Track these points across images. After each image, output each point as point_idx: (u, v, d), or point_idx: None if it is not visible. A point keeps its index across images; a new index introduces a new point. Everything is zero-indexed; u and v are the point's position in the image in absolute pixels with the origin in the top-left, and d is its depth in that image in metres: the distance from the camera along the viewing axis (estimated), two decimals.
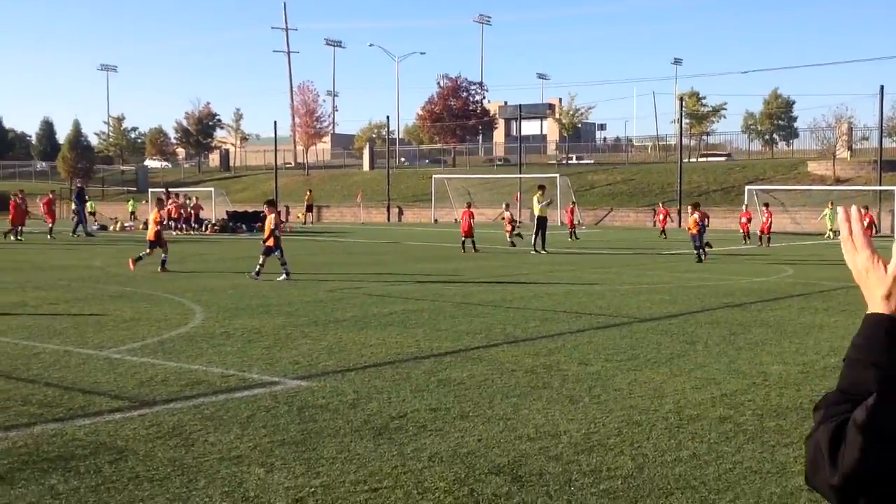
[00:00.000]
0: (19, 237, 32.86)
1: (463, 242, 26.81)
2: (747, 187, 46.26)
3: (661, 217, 39.90)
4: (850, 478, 1.32)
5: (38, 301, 13.94)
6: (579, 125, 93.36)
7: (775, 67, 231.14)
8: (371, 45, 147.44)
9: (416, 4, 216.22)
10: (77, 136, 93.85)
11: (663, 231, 38.39)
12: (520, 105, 75.28)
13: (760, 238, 31.27)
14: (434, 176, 63.16)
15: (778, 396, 7.53)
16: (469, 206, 28.92)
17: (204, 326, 11.33)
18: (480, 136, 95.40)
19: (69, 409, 6.95)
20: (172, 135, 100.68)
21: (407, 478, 5.34)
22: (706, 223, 24.53)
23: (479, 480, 5.31)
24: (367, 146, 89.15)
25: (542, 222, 26.85)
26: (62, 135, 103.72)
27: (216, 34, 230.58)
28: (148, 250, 20.12)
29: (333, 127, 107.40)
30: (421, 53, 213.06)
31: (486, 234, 33.76)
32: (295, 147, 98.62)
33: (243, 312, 12.64)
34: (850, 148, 61.72)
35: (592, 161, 79.56)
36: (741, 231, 33.72)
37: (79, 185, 41.92)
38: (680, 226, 44.11)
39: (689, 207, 25.55)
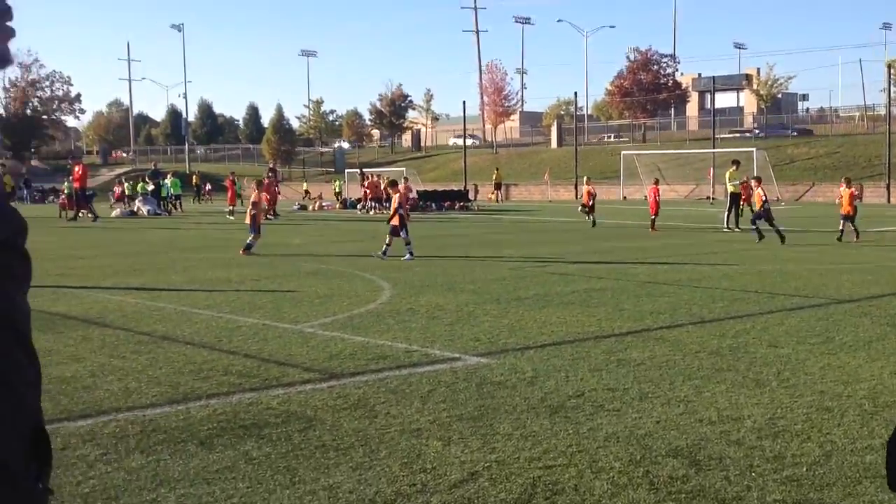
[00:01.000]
0: (276, 215, 35.85)
1: (652, 220, 26.27)
2: None
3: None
4: None
5: (241, 277, 14.82)
6: (779, 96, 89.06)
7: None
8: (560, 20, 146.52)
9: None
10: (280, 119, 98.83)
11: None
12: (713, 77, 72.66)
13: None
14: (623, 152, 62.02)
15: None
16: (656, 182, 28.26)
17: (391, 303, 11.71)
18: (672, 111, 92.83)
19: (265, 379, 7.39)
20: (367, 117, 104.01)
21: (581, 457, 5.35)
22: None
23: (656, 462, 5.24)
24: (555, 123, 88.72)
25: (735, 199, 25.90)
26: (266, 119, 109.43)
27: (407, 16, 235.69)
28: (252, 234, 19.27)
29: (522, 105, 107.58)
30: (610, 27, 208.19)
31: (676, 212, 32.93)
32: (483, 125, 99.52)
33: (428, 289, 12.95)
34: None
35: (795, 133, 75.70)
36: None
37: (270, 166, 44.43)
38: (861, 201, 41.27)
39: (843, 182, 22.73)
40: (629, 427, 5.93)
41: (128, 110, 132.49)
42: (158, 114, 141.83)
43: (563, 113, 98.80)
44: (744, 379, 7.26)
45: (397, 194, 18.50)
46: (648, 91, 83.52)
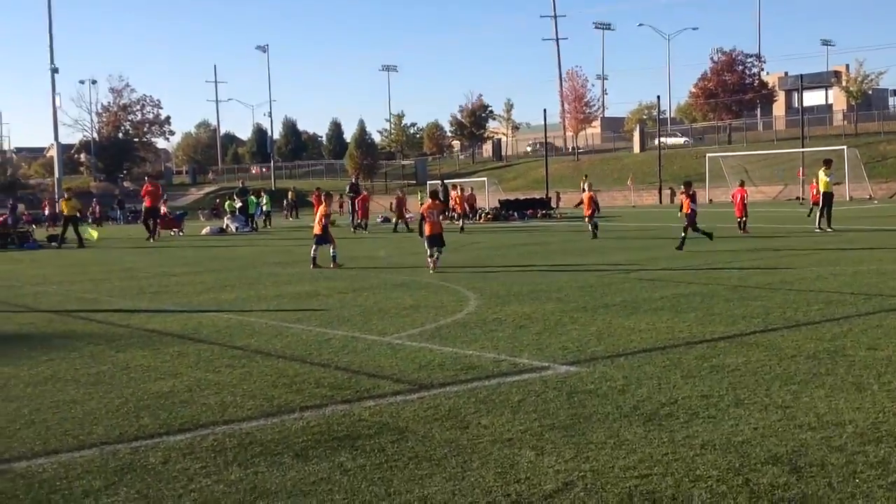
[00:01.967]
0: (365, 228, 38.40)
1: (738, 223, 25.74)
2: None
3: None
4: None
5: (329, 290, 15.02)
6: (869, 92, 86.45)
7: None
8: (641, 24, 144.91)
9: None
10: (362, 134, 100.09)
11: None
12: (801, 75, 70.91)
13: None
14: (708, 155, 60.93)
15: None
16: (742, 184, 27.69)
17: (477, 313, 11.72)
18: (759, 111, 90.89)
19: (356, 391, 7.47)
20: (448, 128, 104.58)
21: (678, 465, 5.26)
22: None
23: (755, 470, 5.12)
24: (637, 128, 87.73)
25: (827, 199, 25.21)
26: (349, 134, 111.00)
27: (486, 28, 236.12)
28: (314, 247, 19.46)
29: (603, 111, 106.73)
30: (693, 29, 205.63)
31: (766, 214, 32.20)
32: (564, 133, 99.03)
33: (514, 299, 12.93)
34: None
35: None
36: None
37: (353, 180, 45.08)
38: None
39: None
40: (726, 434, 5.81)
41: (215, 130, 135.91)
42: (245, 133, 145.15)
43: (645, 117, 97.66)
44: (843, 383, 7.05)
45: (426, 204, 19.40)
46: (734, 92, 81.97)
